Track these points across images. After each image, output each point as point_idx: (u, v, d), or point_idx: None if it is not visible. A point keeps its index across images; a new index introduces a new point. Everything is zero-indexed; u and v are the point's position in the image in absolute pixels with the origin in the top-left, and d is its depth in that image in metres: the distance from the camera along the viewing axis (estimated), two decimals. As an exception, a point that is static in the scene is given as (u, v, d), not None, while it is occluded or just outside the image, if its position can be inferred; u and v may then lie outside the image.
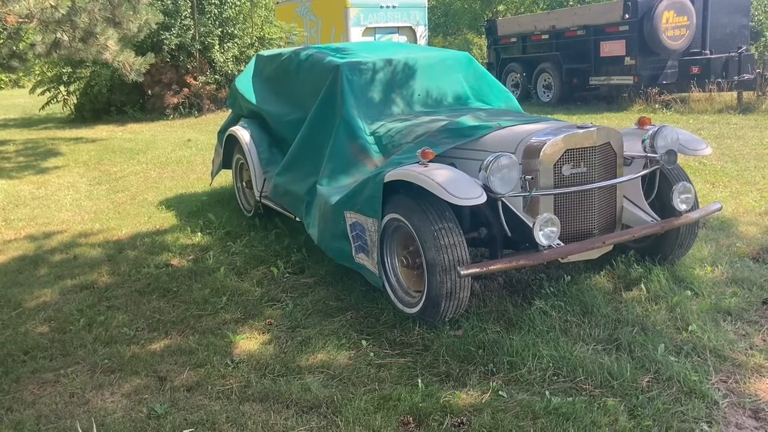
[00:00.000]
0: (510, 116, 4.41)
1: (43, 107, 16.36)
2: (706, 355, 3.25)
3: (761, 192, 6.05)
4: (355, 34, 17.07)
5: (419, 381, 3.14)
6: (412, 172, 3.56)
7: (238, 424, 2.90)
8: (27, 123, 16.37)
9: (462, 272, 3.34)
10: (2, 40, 9.54)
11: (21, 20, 7.82)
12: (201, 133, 12.48)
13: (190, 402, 3.10)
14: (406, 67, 5.14)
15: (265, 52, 6.47)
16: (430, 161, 3.61)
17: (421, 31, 18.37)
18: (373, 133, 4.63)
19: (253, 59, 6.55)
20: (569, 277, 4.15)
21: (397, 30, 17.94)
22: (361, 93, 4.91)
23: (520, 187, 3.62)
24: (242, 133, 5.89)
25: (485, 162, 3.50)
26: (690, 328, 3.49)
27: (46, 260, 5.35)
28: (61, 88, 15.87)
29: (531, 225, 3.45)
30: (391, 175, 3.66)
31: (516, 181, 3.56)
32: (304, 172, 4.91)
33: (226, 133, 6.25)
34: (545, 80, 14.08)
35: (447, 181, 3.41)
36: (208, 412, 2.99)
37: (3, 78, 33.18)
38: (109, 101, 15.49)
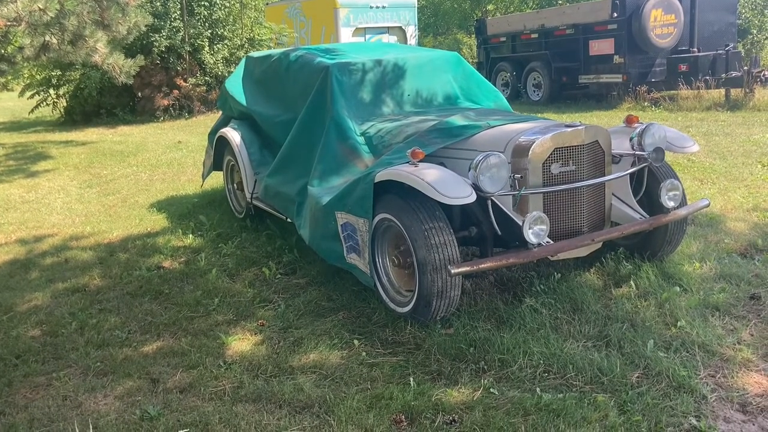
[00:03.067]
0: (499, 115, 4.44)
1: (32, 110, 16.25)
2: (694, 350, 3.29)
3: (749, 188, 6.11)
4: (345, 35, 17.06)
5: (411, 379, 3.16)
6: (402, 172, 3.58)
7: (231, 425, 2.91)
8: (16, 126, 16.27)
9: (453, 271, 3.37)
10: (-9, 44, 9.49)
11: (9, 23, 7.79)
12: (191, 135, 12.45)
13: (183, 403, 3.11)
14: (396, 68, 5.16)
15: (255, 54, 6.47)
16: (420, 161, 3.63)
17: (411, 31, 18.39)
18: (363, 134, 4.64)
19: (243, 61, 6.55)
20: (559, 275, 4.18)
21: (387, 30, 17.95)
22: (351, 94, 4.92)
23: (510, 186, 3.65)
24: (233, 135, 5.89)
25: (475, 161, 3.53)
26: (679, 323, 3.52)
27: (38, 264, 5.34)
28: (51, 91, 15.76)
29: (521, 223, 3.48)
30: (381, 175, 3.68)
31: (505, 180, 3.59)
32: (295, 173, 4.92)
33: (217, 135, 6.24)
34: (535, 79, 14.13)
35: (437, 181, 3.44)
36: (201, 413, 3.00)
37: (-8, 81, 32.92)
38: (99, 104, 15.41)
